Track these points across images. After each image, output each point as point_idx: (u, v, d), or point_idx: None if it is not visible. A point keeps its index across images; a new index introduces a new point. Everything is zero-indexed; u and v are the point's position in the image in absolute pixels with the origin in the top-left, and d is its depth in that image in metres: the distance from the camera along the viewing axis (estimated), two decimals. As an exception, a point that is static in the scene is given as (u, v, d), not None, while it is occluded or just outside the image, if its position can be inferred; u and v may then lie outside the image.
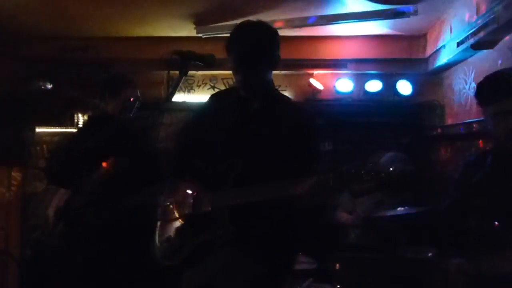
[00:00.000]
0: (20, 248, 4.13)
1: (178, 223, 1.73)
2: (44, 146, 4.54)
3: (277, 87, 4.45)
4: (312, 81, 4.28)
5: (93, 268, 2.27)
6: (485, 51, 3.13)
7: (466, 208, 1.82)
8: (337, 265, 3.17)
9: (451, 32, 3.40)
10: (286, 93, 4.50)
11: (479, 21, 2.86)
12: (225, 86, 4.44)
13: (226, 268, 1.69)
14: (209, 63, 1.72)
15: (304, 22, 3.59)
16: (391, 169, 1.40)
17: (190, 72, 4.75)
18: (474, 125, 3.29)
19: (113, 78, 2.74)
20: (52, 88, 4.50)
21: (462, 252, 1.92)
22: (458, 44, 3.23)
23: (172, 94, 1.63)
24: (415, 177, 1.45)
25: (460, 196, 1.90)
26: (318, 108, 4.43)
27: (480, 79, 3.34)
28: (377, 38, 4.08)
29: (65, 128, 4.56)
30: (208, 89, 4.57)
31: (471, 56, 3.42)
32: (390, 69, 4.22)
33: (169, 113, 4.62)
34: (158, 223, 1.79)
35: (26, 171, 4.37)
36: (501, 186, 1.72)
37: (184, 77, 1.63)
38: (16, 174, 4.29)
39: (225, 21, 3.58)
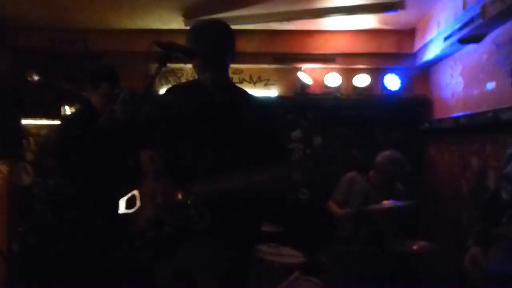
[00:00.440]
0: (7, 242, 4.11)
1: (149, 214, 1.75)
2: (31, 138, 4.50)
3: (265, 81, 4.57)
4: (301, 75, 4.28)
5: (77, 259, 2.28)
6: (471, 45, 3.16)
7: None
8: (324, 258, 3.19)
9: (438, 26, 3.42)
10: (275, 88, 4.52)
11: (465, 16, 2.88)
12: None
13: (200, 253, 1.73)
14: (190, 54, 1.72)
15: (292, 16, 3.59)
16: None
17: (179, 65, 4.73)
18: (460, 119, 3.33)
19: (92, 71, 2.76)
20: (39, 80, 4.45)
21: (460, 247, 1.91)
22: (445, 38, 3.26)
23: (150, 86, 1.62)
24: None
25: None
26: (307, 102, 4.45)
27: (467, 73, 3.40)
28: (365, 32, 4.10)
29: (53, 121, 4.52)
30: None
31: (458, 51, 3.46)
32: (378, 64, 4.23)
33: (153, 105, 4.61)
34: (127, 212, 1.80)
35: (13, 164, 4.33)
36: None
37: (163, 69, 1.62)
38: (2, 167, 4.25)
39: (214, 14, 3.57)
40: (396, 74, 4.22)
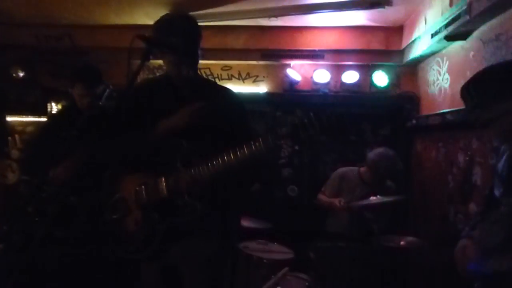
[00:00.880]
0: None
1: (136, 216, 1.73)
2: (17, 136, 4.44)
3: (254, 78, 4.56)
4: (290, 71, 4.28)
5: (64, 261, 2.25)
6: (458, 42, 3.19)
7: None
8: (312, 254, 3.20)
9: (425, 23, 3.44)
10: (264, 84, 4.51)
11: (452, 13, 2.90)
12: (204, 74, 4.41)
13: (185, 250, 1.74)
14: (173, 48, 1.71)
15: (281, 11, 3.58)
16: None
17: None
18: (447, 116, 3.36)
19: (74, 69, 2.74)
20: (24, 76, 4.39)
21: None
22: (432, 35, 3.28)
23: (133, 81, 1.60)
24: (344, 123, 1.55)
25: None
26: (295, 99, 4.45)
27: (454, 70, 3.42)
28: (354, 29, 4.11)
29: (39, 118, 4.46)
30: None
31: (444, 47, 3.48)
32: (366, 60, 4.25)
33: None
34: (113, 220, 1.78)
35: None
36: None
37: (156, 63, 1.61)
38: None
39: (201, 9, 3.54)
40: (384, 70, 4.24)
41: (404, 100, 4.32)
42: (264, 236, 3.46)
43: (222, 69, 4.49)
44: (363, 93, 4.36)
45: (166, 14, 1.88)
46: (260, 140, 1.61)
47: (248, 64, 4.45)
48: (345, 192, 3.45)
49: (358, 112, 4.47)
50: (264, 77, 4.50)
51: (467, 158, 3.15)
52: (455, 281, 2.16)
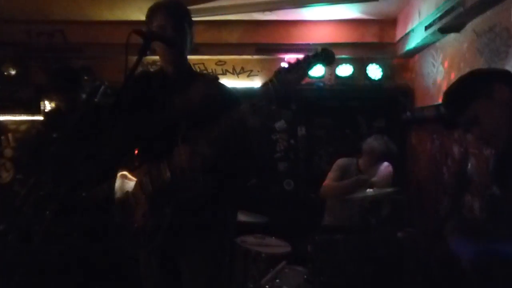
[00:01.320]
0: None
1: (144, 208, 1.73)
2: (10, 134, 4.40)
3: (248, 72, 4.54)
4: (284, 65, 4.26)
5: (59, 259, 2.25)
6: (452, 34, 3.20)
7: None
8: (310, 247, 3.21)
9: (419, 16, 3.45)
10: (258, 78, 4.50)
11: (446, 5, 2.91)
12: (198, 69, 4.39)
13: (184, 242, 1.74)
14: (171, 43, 1.70)
15: (275, 5, 3.57)
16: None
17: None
18: (441, 108, 3.37)
19: (48, 74, 2.71)
20: (16, 74, 4.34)
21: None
22: (426, 28, 3.28)
23: (130, 76, 1.59)
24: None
25: None
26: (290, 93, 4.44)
27: (448, 62, 3.43)
28: (348, 22, 4.11)
29: (32, 116, 4.42)
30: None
31: (438, 40, 3.49)
32: (360, 54, 4.25)
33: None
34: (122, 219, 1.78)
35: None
36: None
37: (150, 59, 1.60)
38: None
39: (196, 4, 3.52)
40: (378, 63, 4.25)
41: (398, 93, 4.34)
42: (261, 230, 3.47)
43: (216, 64, 4.47)
44: (357, 86, 4.36)
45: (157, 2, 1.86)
46: (246, 104, 1.61)
47: (243, 59, 4.44)
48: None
49: (353, 105, 4.49)
50: (258, 71, 4.49)
51: (461, 150, 3.18)
52: (451, 272, 2.20)
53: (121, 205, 1.79)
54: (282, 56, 4.33)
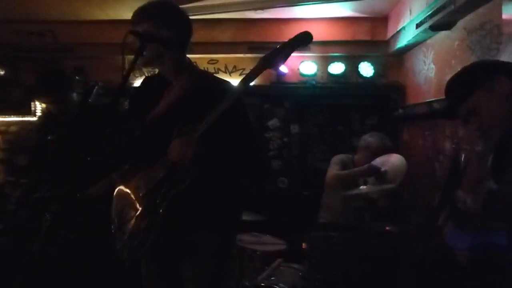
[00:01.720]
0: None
1: (140, 211, 1.73)
2: (0, 136, 4.36)
3: (241, 71, 4.54)
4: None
5: (53, 259, 2.24)
6: (443, 32, 3.23)
7: None
8: (305, 244, 3.23)
9: (411, 14, 3.47)
10: (252, 77, 4.50)
11: (437, 3, 2.94)
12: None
13: (181, 241, 1.73)
14: (167, 43, 1.68)
15: (267, 4, 3.57)
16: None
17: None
18: (433, 104, 3.41)
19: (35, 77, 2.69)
20: (6, 75, 4.30)
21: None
22: (417, 25, 3.31)
23: (127, 77, 1.58)
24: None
25: None
26: (283, 91, 4.46)
27: (439, 59, 3.46)
28: (340, 20, 4.12)
29: (22, 117, 4.38)
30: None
31: (430, 37, 3.52)
32: (353, 51, 4.28)
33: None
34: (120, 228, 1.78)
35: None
36: None
37: (139, 59, 1.58)
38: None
39: (188, 3, 3.51)
40: (370, 61, 4.28)
41: (390, 90, 4.38)
42: (256, 229, 3.48)
43: (208, 62, 4.47)
44: (350, 84, 4.39)
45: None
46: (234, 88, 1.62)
47: (235, 57, 4.44)
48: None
49: (346, 102, 4.52)
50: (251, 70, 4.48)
51: (453, 146, 3.21)
52: (445, 266, 2.22)
53: (119, 215, 1.78)
54: (274, 54, 4.33)
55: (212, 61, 4.46)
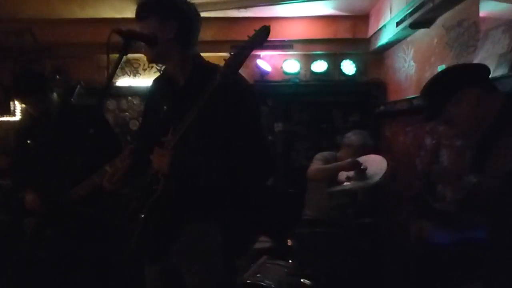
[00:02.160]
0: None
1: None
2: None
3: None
4: (260, 62, 4.29)
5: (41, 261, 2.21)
6: (422, 30, 3.29)
7: None
8: (290, 241, 3.26)
9: (391, 12, 3.53)
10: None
11: (416, 1, 2.99)
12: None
13: (184, 245, 1.71)
14: (151, 42, 1.65)
15: (249, 3, 3.58)
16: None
17: (136, 55, 4.59)
18: (414, 101, 3.47)
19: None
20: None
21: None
22: (397, 23, 3.37)
23: (111, 76, 1.56)
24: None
25: None
26: (266, 89, 4.47)
27: (419, 57, 3.52)
28: (321, 18, 4.16)
29: (1, 117, 4.30)
30: (155, 72, 4.44)
31: (409, 35, 3.59)
32: (334, 49, 4.32)
33: (115, 98, 4.49)
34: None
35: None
36: None
37: (124, 58, 1.57)
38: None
39: (170, 1, 3.49)
40: (352, 59, 4.33)
41: (372, 87, 4.43)
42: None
43: (191, 61, 4.44)
44: (332, 82, 4.43)
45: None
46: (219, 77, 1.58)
47: (218, 56, 4.37)
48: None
49: (329, 100, 4.56)
50: (234, 68, 4.48)
51: (433, 141, 3.28)
52: (424, 258, 2.28)
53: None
54: (257, 52, 4.35)
55: (195, 60, 4.44)
